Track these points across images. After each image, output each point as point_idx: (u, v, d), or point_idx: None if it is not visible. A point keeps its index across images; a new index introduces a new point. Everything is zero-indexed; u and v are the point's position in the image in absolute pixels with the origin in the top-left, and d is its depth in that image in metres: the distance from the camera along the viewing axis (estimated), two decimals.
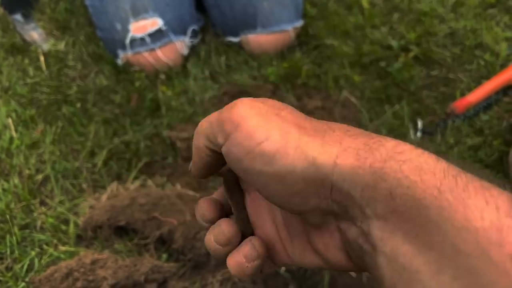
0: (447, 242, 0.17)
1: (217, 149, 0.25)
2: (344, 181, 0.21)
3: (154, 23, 0.97)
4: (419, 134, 0.94)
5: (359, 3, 1.23)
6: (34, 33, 1.18)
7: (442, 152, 0.91)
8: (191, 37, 1.06)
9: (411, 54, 1.08)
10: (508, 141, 0.91)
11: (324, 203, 0.22)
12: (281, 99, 0.97)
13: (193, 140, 0.27)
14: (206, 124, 0.25)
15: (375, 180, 0.20)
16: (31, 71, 1.06)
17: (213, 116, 0.25)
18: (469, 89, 1.01)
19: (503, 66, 1.04)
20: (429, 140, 0.94)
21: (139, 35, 0.97)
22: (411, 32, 1.13)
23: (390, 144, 0.21)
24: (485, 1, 1.21)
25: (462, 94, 1.00)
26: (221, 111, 0.25)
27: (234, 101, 0.24)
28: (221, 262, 0.71)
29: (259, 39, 1.05)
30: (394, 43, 1.10)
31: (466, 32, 1.14)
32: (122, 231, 0.77)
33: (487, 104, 0.97)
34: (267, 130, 0.22)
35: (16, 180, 0.84)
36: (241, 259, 0.27)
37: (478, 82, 1.02)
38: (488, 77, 1.02)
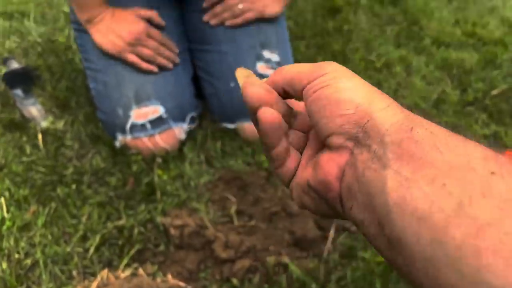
0: (442, 163, 0.24)
1: (295, 91, 0.32)
2: (383, 118, 0.28)
3: (156, 110, 1.01)
4: None
5: None
6: (33, 109, 1.21)
7: None
8: (189, 123, 1.10)
9: None
10: None
11: (355, 129, 0.28)
12: (274, 185, 0.99)
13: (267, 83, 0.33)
14: (293, 69, 0.32)
15: (404, 122, 0.28)
16: (28, 149, 1.07)
17: (299, 66, 0.32)
18: None
19: None
20: None
21: (140, 121, 1.01)
22: None
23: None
24: (464, 99, 1.30)
25: None
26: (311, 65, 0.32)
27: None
28: None
29: (254, 127, 1.10)
30: None
31: (448, 128, 1.21)
32: None
33: None
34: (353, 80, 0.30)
35: (4, 265, 0.83)
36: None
37: None
38: None
